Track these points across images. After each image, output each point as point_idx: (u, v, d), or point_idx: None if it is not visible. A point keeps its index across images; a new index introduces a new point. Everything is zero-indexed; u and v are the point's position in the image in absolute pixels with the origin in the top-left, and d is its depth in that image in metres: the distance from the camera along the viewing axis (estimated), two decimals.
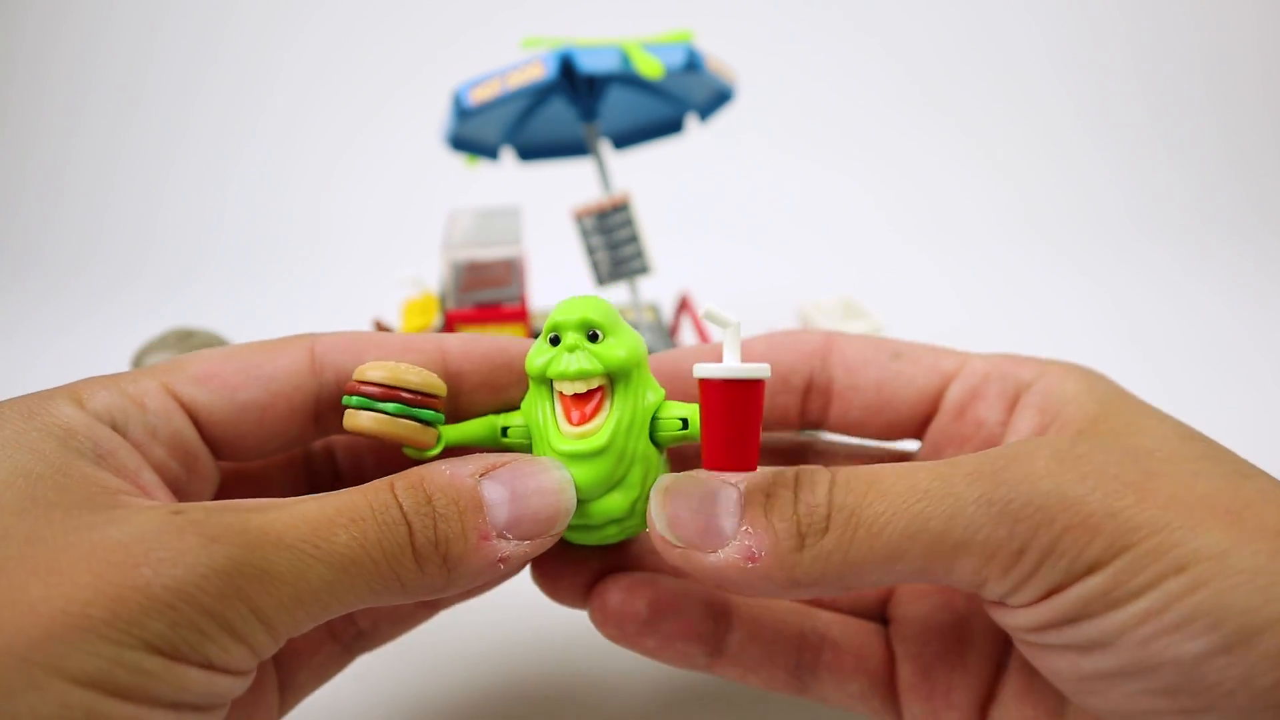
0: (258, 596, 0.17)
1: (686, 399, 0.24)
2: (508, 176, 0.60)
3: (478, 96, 0.42)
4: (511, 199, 0.60)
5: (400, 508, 0.19)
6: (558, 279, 0.64)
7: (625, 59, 0.41)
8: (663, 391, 0.24)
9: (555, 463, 0.22)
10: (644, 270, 0.48)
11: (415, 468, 0.21)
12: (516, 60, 0.42)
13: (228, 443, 0.23)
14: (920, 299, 0.76)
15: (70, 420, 0.20)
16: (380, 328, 0.43)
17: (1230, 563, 0.16)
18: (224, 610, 0.17)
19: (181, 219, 0.93)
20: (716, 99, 0.51)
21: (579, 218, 0.47)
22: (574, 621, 0.33)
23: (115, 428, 0.21)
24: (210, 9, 0.97)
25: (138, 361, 0.32)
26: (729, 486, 0.20)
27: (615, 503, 0.23)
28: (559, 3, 0.96)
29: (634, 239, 0.47)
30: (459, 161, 0.53)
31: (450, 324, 0.43)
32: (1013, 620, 0.19)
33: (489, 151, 0.54)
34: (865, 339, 0.26)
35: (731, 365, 0.21)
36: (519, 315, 0.43)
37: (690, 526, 0.20)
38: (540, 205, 0.58)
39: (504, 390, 0.24)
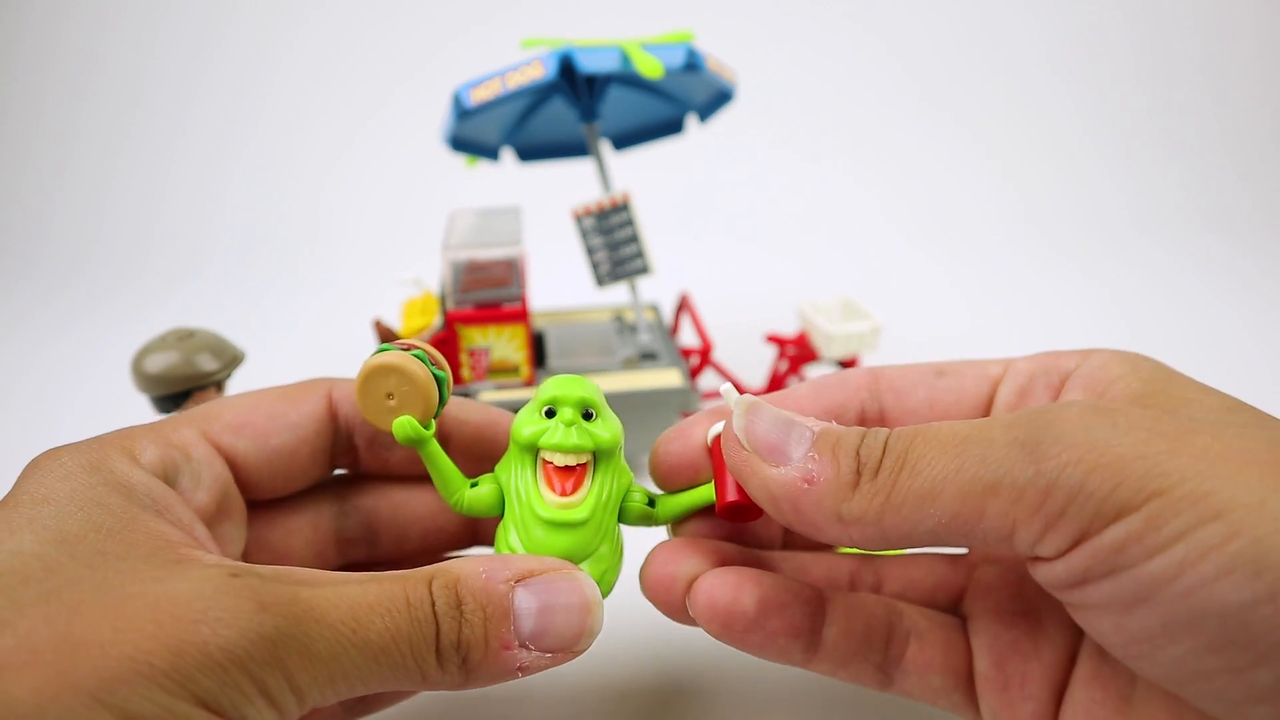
0: (296, 670, 0.18)
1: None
2: (508, 177, 0.60)
3: (478, 96, 0.42)
4: (511, 199, 0.60)
5: (433, 605, 0.20)
6: (558, 279, 0.64)
7: (625, 59, 0.41)
8: (630, 474, 0.26)
9: (590, 581, 0.23)
10: (645, 271, 0.48)
11: (453, 564, 0.21)
12: (516, 60, 0.42)
13: (258, 484, 0.25)
14: (920, 299, 0.76)
15: (129, 476, 0.22)
16: (380, 327, 0.43)
17: (1269, 510, 0.15)
18: (265, 677, 0.18)
19: (181, 219, 0.93)
20: (716, 99, 0.51)
21: (578, 218, 0.47)
22: None
23: (166, 479, 0.22)
24: (210, 9, 0.97)
25: (138, 362, 0.32)
26: (802, 425, 0.22)
27: (589, 571, 0.24)
28: (559, 3, 0.96)
29: (634, 239, 0.47)
30: (459, 161, 0.53)
31: (450, 324, 0.43)
32: (1052, 575, 0.19)
33: (489, 152, 0.54)
34: (907, 366, 0.27)
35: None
36: (519, 315, 0.43)
37: (763, 439, 0.22)
38: (540, 205, 0.59)
39: (488, 460, 0.26)
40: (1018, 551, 0.19)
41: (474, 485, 0.25)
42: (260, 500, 0.26)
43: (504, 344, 0.43)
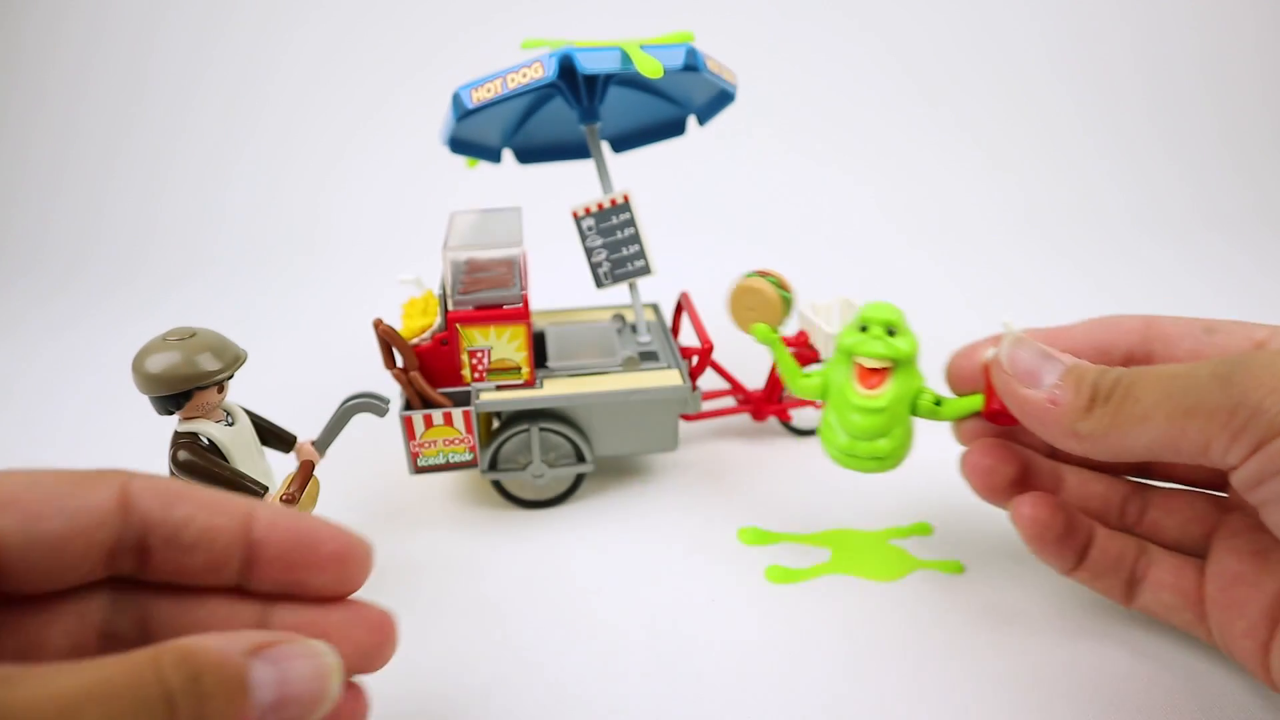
0: None
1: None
2: (507, 177, 0.60)
3: (478, 97, 0.42)
4: (511, 199, 0.61)
5: (164, 684, 0.19)
6: (559, 279, 0.64)
7: (625, 59, 0.41)
8: (923, 378, 0.35)
9: (327, 648, 0.22)
10: (647, 271, 0.48)
11: (183, 640, 0.20)
12: (517, 61, 0.42)
13: (15, 572, 0.21)
14: (921, 299, 0.76)
15: None
16: (381, 327, 0.43)
17: None
18: None
19: (181, 219, 0.93)
20: (717, 101, 0.51)
21: (578, 217, 0.47)
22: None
23: None
24: (209, 10, 0.97)
25: (139, 362, 0.32)
26: (1057, 358, 0.28)
27: (879, 447, 0.35)
28: (559, 4, 0.96)
29: (635, 239, 0.47)
30: (459, 162, 0.54)
31: (451, 324, 0.43)
32: (1238, 480, 0.23)
33: (490, 154, 0.54)
34: (1180, 318, 0.31)
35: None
36: (520, 315, 0.43)
37: (1022, 366, 0.28)
38: (540, 205, 0.59)
39: (299, 570, 0.24)
40: (1212, 463, 0.24)
41: (807, 377, 0.37)
42: (18, 592, 0.22)
43: (504, 344, 0.43)
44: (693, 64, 0.42)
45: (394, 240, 0.89)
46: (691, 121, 0.55)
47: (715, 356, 0.49)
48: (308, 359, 0.66)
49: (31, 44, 0.96)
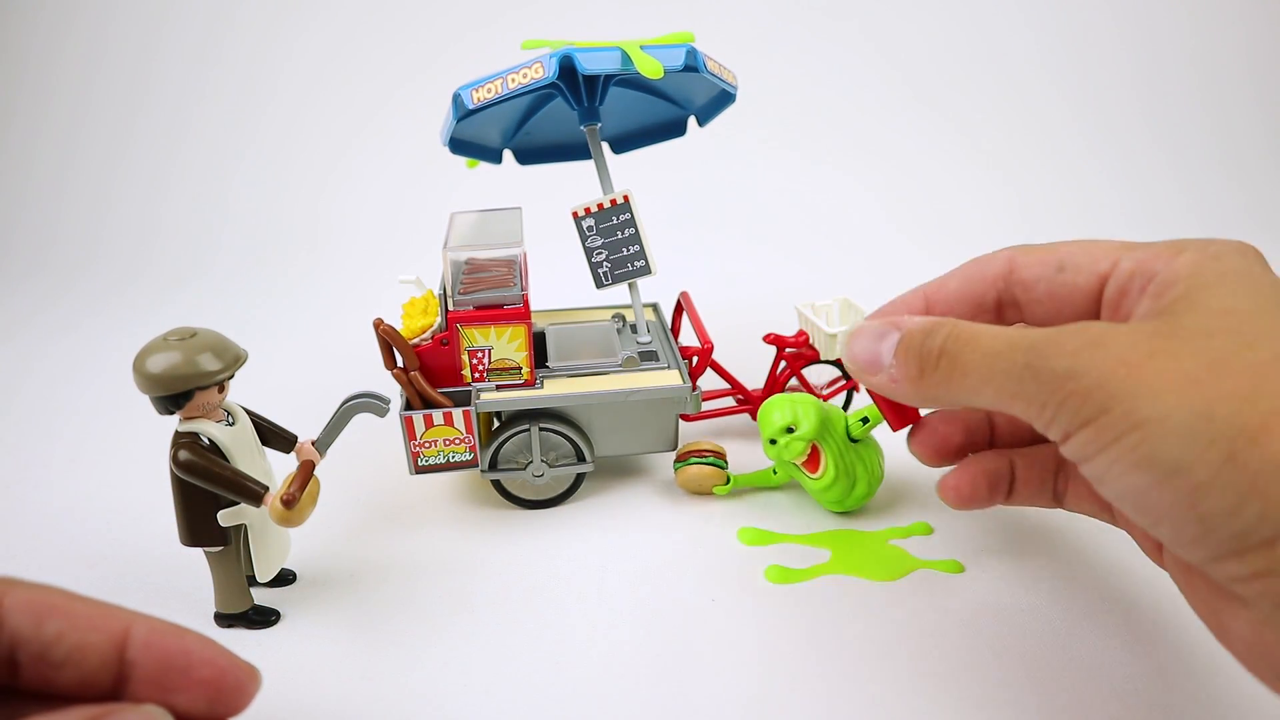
0: None
1: None
2: (507, 177, 0.60)
3: (479, 97, 0.42)
4: (511, 199, 0.61)
5: None
6: (559, 279, 0.64)
7: (625, 59, 0.41)
8: (843, 417, 0.42)
9: (158, 710, 0.22)
10: (647, 271, 0.48)
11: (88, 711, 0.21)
12: (517, 62, 0.42)
13: None
14: None
15: None
16: (382, 327, 0.43)
17: (1169, 424, 0.22)
18: None
19: (184, 220, 0.93)
20: (717, 101, 0.51)
21: (578, 217, 0.47)
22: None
23: None
24: (213, 12, 0.97)
25: (139, 362, 0.32)
26: (892, 333, 0.29)
27: (859, 491, 0.42)
28: (560, 5, 0.96)
29: (635, 239, 0.47)
30: (459, 162, 0.54)
31: (451, 324, 0.43)
32: (1062, 452, 0.25)
33: (490, 154, 0.54)
34: (1035, 253, 0.31)
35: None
36: (520, 315, 0.43)
37: (861, 358, 0.29)
38: (541, 205, 0.59)
39: (171, 693, 0.23)
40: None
41: (774, 474, 0.45)
42: None
43: (504, 344, 0.43)
44: (693, 64, 0.42)
45: (394, 240, 0.89)
46: (692, 122, 0.55)
47: (715, 356, 0.49)
48: (308, 359, 0.66)
49: (36, 47, 0.96)
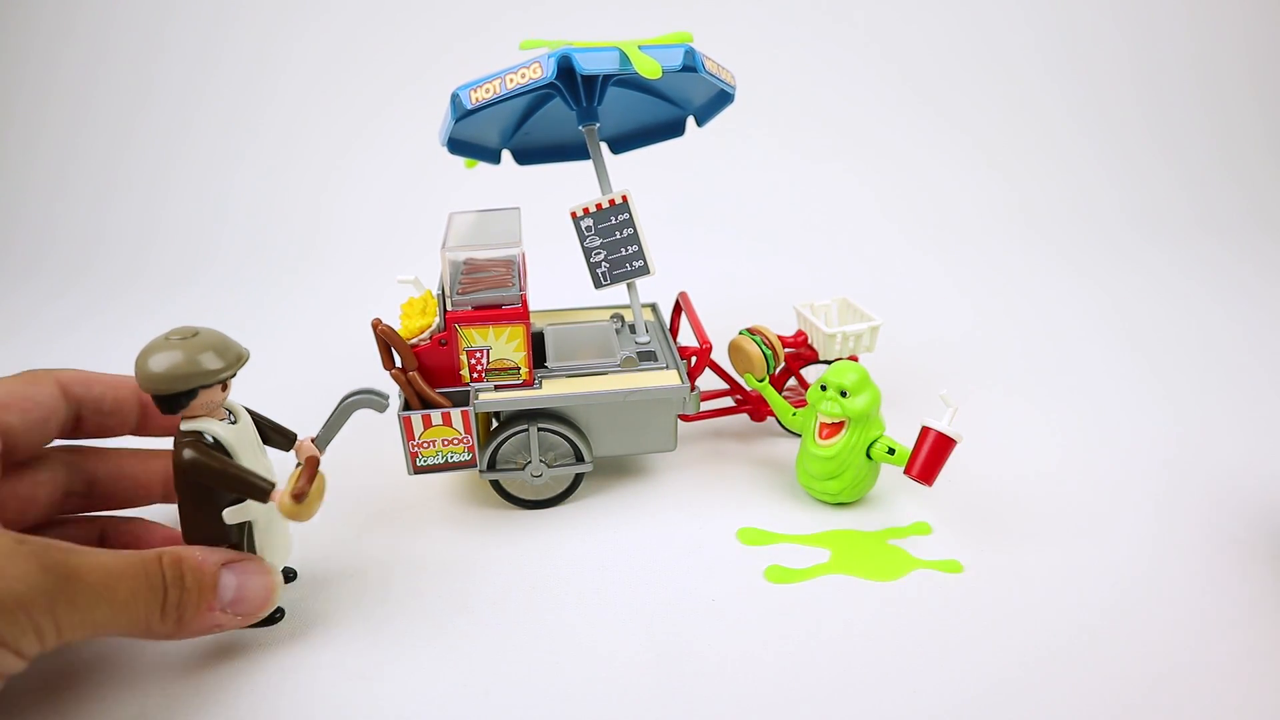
0: (62, 615, 0.26)
1: None
2: (506, 177, 0.60)
3: (477, 97, 0.42)
4: (510, 199, 0.61)
5: (161, 574, 0.29)
6: (557, 279, 0.64)
7: (624, 59, 0.41)
8: (884, 427, 0.43)
9: (274, 569, 0.34)
10: (645, 272, 0.48)
11: (179, 549, 0.31)
12: (515, 62, 0.42)
13: (17, 449, 0.33)
14: (920, 300, 0.76)
15: None
16: (380, 327, 0.43)
17: None
18: (40, 619, 0.26)
19: (184, 220, 0.93)
20: (716, 101, 0.51)
21: (576, 217, 0.47)
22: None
23: None
24: (212, 13, 0.97)
25: (141, 362, 0.32)
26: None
27: (830, 486, 0.43)
28: (558, 5, 0.96)
29: (634, 239, 0.47)
30: (458, 162, 0.54)
31: (449, 324, 0.43)
32: None
33: (488, 155, 0.54)
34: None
35: (944, 426, 0.40)
36: (519, 315, 0.43)
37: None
38: (539, 205, 0.59)
39: (116, 415, 0.37)
40: None
41: (794, 414, 0.46)
42: (15, 460, 0.33)
43: (503, 344, 0.43)
44: (691, 64, 0.42)
45: (393, 240, 0.89)
46: (690, 122, 0.55)
47: (714, 357, 0.49)
48: (307, 359, 0.66)
49: (37, 48, 0.96)
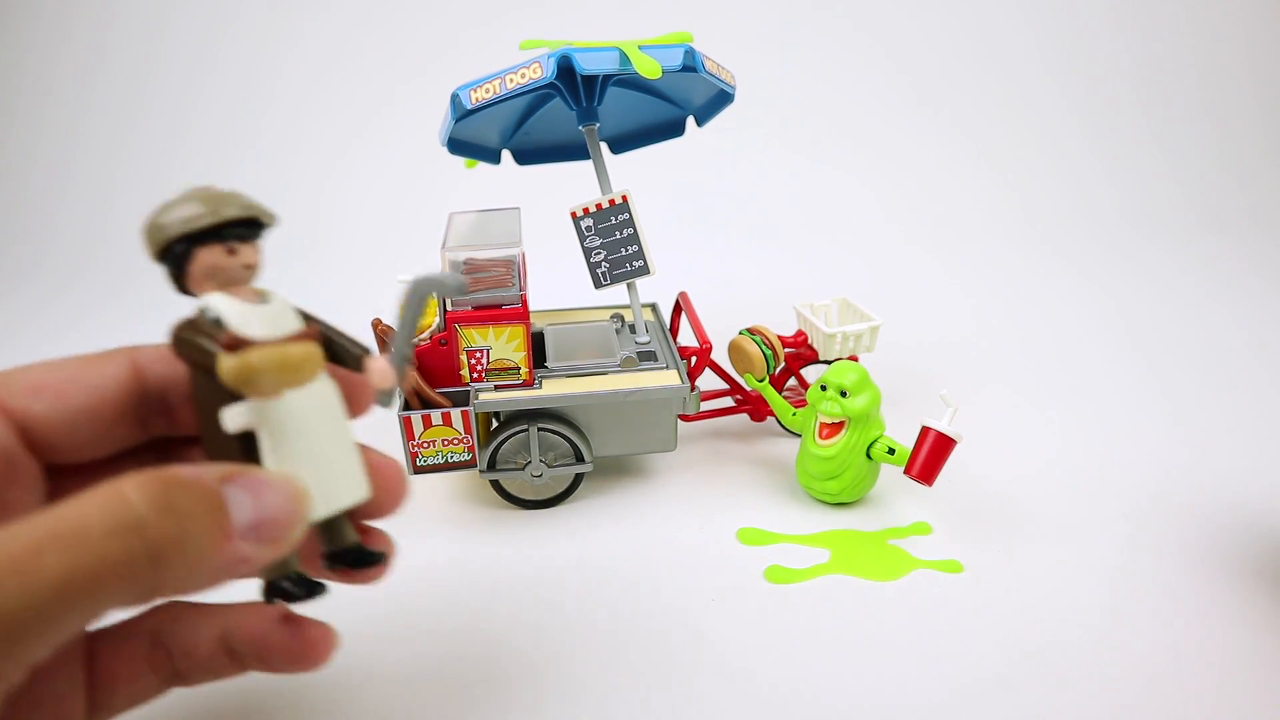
0: None
1: None
2: (506, 177, 0.60)
3: (477, 97, 0.42)
4: (510, 199, 0.61)
5: (129, 510, 0.19)
6: (557, 279, 0.64)
7: (623, 59, 0.41)
8: (884, 427, 0.43)
9: (291, 476, 0.23)
10: (645, 272, 0.48)
11: (150, 470, 0.20)
12: (515, 62, 0.42)
13: (58, 446, 0.24)
14: (920, 300, 0.76)
15: None
16: (380, 327, 0.43)
17: None
18: None
19: None
20: (716, 101, 0.51)
21: (576, 217, 0.47)
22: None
23: None
24: (211, 12, 0.97)
25: (154, 224, 0.26)
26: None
27: (829, 486, 0.43)
28: (558, 5, 0.96)
29: (634, 239, 0.47)
30: (458, 162, 0.54)
31: (449, 324, 0.43)
32: None
33: (488, 155, 0.54)
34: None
35: (944, 427, 0.41)
36: (518, 315, 0.43)
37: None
38: (539, 205, 0.59)
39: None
40: None
41: (794, 414, 0.47)
42: (69, 464, 0.25)
43: (503, 344, 0.43)
44: (691, 64, 0.42)
45: (393, 240, 0.89)
46: (690, 122, 0.55)
47: (714, 356, 0.49)
48: None
49: (36, 47, 0.96)
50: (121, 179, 0.95)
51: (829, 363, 0.51)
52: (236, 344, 0.23)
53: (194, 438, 0.26)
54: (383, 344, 0.43)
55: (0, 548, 0.17)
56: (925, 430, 0.41)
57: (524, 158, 0.56)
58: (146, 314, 0.76)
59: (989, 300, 0.75)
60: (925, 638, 0.35)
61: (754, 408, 0.52)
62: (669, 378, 0.45)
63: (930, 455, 0.41)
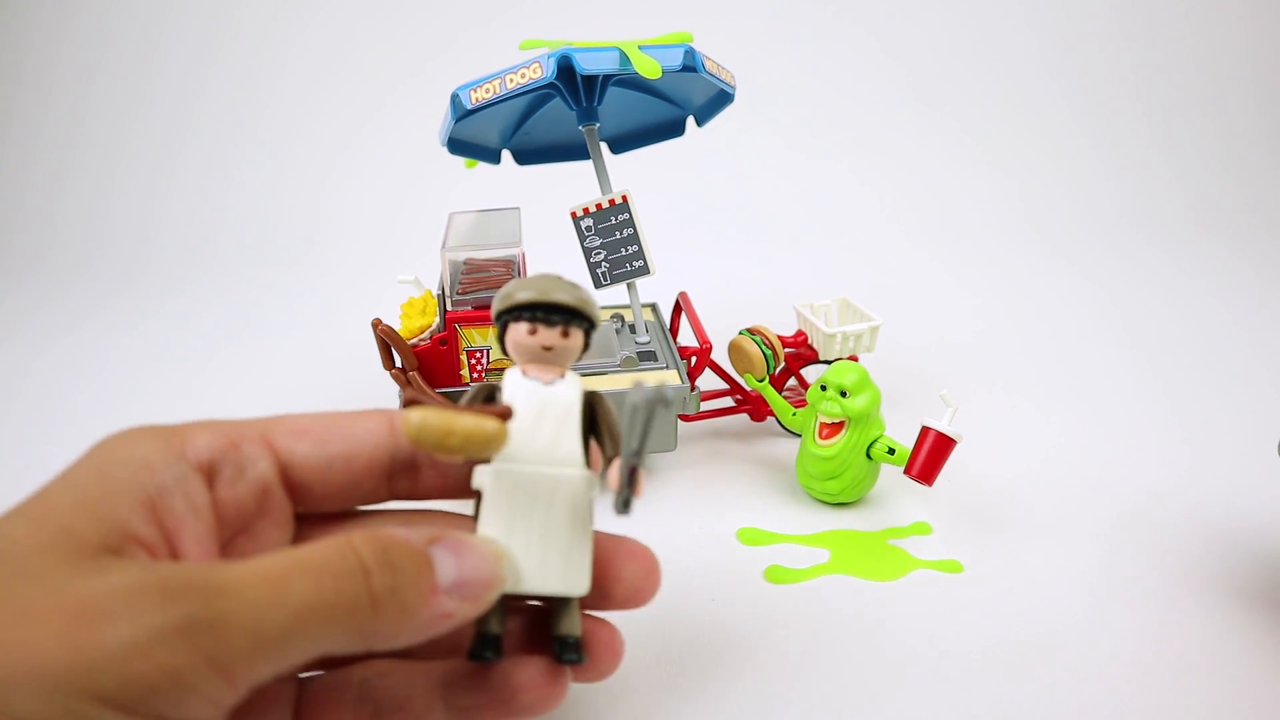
0: (213, 647, 0.18)
1: None
2: (506, 177, 0.60)
3: (477, 97, 0.42)
4: (510, 199, 0.61)
5: (358, 556, 0.21)
6: None
7: (623, 59, 0.41)
8: (884, 427, 0.43)
9: (492, 540, 0.25)
10: (645, 272, 0.48)
11: (367, 529, 0.23)
12: (515, 62, 0.42)
13: (312, 491, 0.26)
14: (920, 300, 0.76)
15: (150, 457, 0.23)
16: (380, 327, 0.43)
17: None
18: (176, 664, 0.18)
19: (184, 220, 0.93)
20: (716, 102, 0.51)
21: (576, 217, 0.47)
22: None
23: (209, 467, 0.24)
24: (211, 12, 0.97)
25: (499, 293, 0.27)
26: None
27: (830, 486, 0.43)
28: (558, 5, 0.96)
29: (634, 239, 0.47)
30: (458, 162, 0.54)
31: (449, 324, 0.43)
32: None
33: (488, 155, 0.54)
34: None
35: (944, 426, 0.41)
36: None
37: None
38: (539, 205, 0.59)
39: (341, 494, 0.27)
40: None
41: (794, 414, 0.47)
42: (318, 513, 0.27)
43: None
44: (691, 64, 0.42)
45: (393, 240, 0.89)
46: (690, 122, 0.55)
47: (714, 356, 0.49)
48: (307, 359, 0.65)
49: (36, 48, 0.96)
50: (121, 179, 0.95)
51: (829, 363, 0.51)
52: (411, 398, 0.25)
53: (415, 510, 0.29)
54: (383, 344, 0.43)
55: (260, 573, 0.20)
56: (925, 430, 0.41)
57: (524, 158, 0.56)
58: (147, 314, 0.76)
59: (989, 300, 0.75)
60: (925, 638, 0.35)
61: (754, 408, 0.52)
62: (669, 378, 0.45)
63: (930, 455, 0.41)
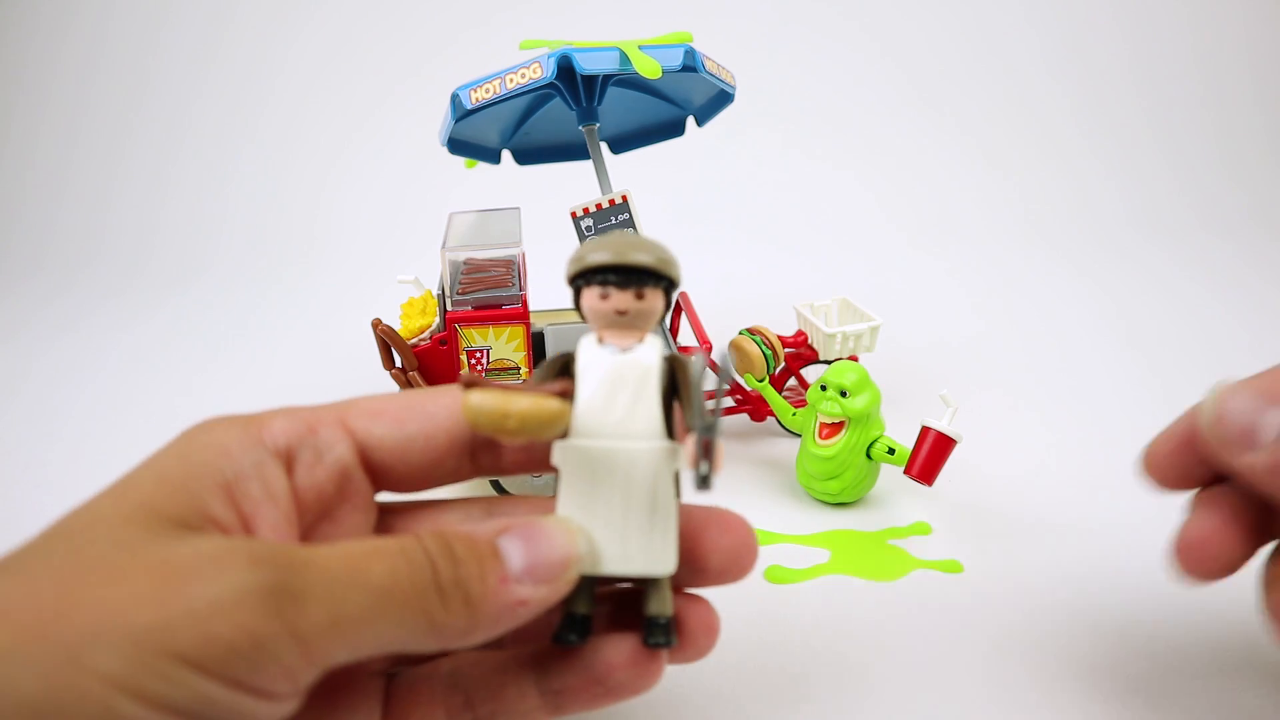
0: (295, 616, 0.19)
1: None
2: (506, 177, 0.60)
3: (477, 97, 0.42)
4: (510, 199, 0.61)
5: (425, 550, 0.21)
6: (558, 279, 0.64)
7: (623, 59, 0.41)
8: (884, 427, 0.43)
9: (565, 520, 0.24)
10: None
11: (433, 526, 0.24)
12: (515, 62, 0.42)
13: (393, 472, 0.25)
14: (920, 300, 0.76)
15: (228, 443, 0.23)
16: (380, 327, 0.43)
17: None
18: (257, 627, 0.18)
19: (183, 219, 0.93)
20: (716, 102, 0.51)
21: (576, 217, 0.47)
22: None
23: (287, 452, 0.24)
24: (211, 11, 0.97)
25: (571, 257, 0.26)
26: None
27: (830, 486, 0.43)
28: (558, 5, 0.96)
29: None
30: (458, 162, 0.54)
31: (449, 324, 0.43)
32: None
33: (488, 154, 0.54)
34: None
35: (944, 426, 0.41)
36: (518, 315, 0.43)
37: (1236, 425, 0.26)
38: (539, 205, 0.59)
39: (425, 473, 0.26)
40: None
41: (794, 414, 0.47)
42: (402, 495, 0.26)
43: (503, 344, 0.43)
44: (691, 64, 0.42)
45: (392, 240, 0.89)
46: (690, 122, 0.55)
47: (714, 356, 0.49)
48: (307, 359, 0.66)
49: (36, 47, 0.96)
50: (121, 179, 0.95)
51: (829, 363, 0.51)
52: (471, 380, 0.23)
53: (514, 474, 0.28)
54: (383, 344, 0.43)
55: (341, 553, 0.20)
56: (925, 430, 0.41)
57: (524, 158, 0.56)
58: (147, 314, 0.76)
59: (989, 300, 0.75)
60: (925, 638, 0.35)
61: (754, 408, 0.52)
62: None
63: (930, 455, 0.41)
